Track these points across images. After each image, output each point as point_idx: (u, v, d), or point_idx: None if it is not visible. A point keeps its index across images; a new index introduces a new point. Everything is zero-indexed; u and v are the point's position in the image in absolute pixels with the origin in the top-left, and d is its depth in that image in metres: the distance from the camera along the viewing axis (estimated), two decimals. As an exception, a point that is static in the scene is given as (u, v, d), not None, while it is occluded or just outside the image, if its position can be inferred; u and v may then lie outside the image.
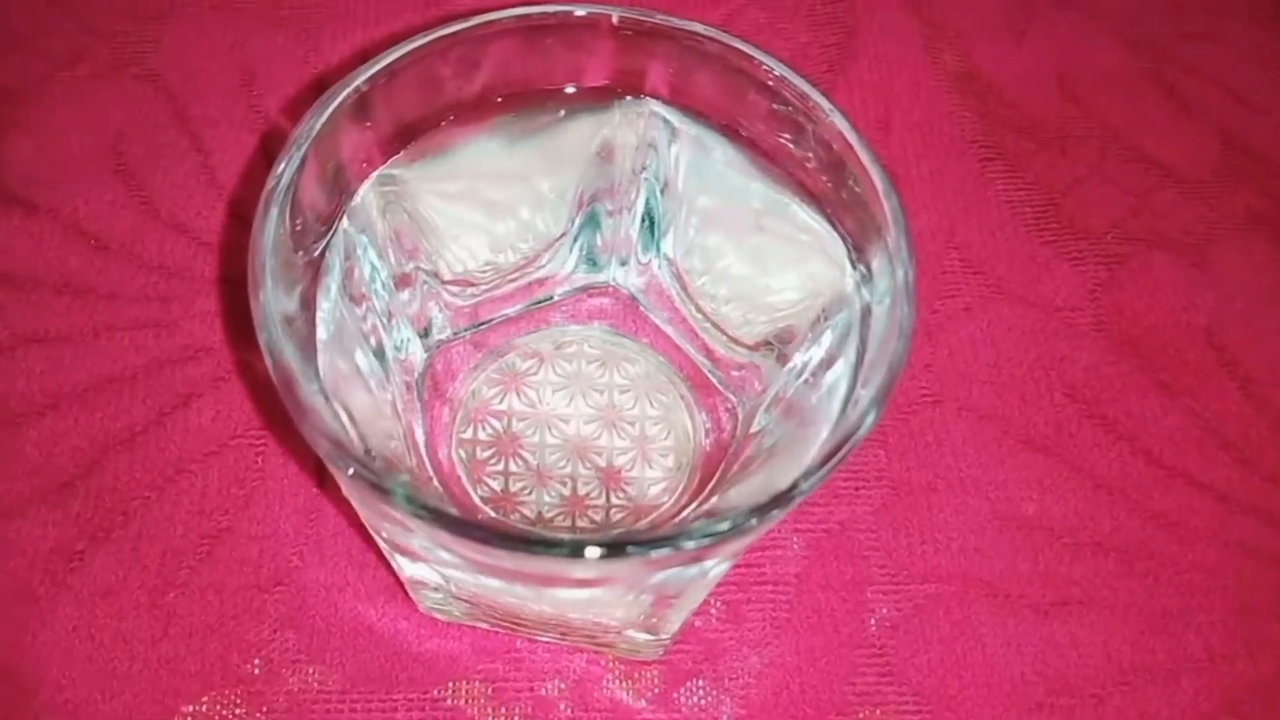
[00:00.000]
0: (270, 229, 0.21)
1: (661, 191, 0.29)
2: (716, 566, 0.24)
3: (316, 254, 0.24)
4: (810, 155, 0.25)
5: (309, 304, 0.23)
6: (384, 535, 0.24)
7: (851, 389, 0.23)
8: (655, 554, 0.19)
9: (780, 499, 0.20)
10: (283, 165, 0.22)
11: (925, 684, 0.31)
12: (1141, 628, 0.32)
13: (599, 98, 0.27)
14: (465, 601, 0.29)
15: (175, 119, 0.39)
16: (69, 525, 0.32)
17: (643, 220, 0.30)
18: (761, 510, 0.20)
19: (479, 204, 0.28)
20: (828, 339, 0.26)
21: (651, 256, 0.30)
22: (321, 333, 0.24)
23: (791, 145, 0.25)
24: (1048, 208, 0.39)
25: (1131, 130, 0.41)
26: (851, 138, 0.24)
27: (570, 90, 0.27)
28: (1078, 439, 0.35)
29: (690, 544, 0.19)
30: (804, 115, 0.24)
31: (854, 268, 0.25)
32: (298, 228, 0.23)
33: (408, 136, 0.25)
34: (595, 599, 0.26)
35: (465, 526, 0.19)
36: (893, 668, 0.31)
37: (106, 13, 0.41)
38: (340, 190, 0.25)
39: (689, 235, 0.30)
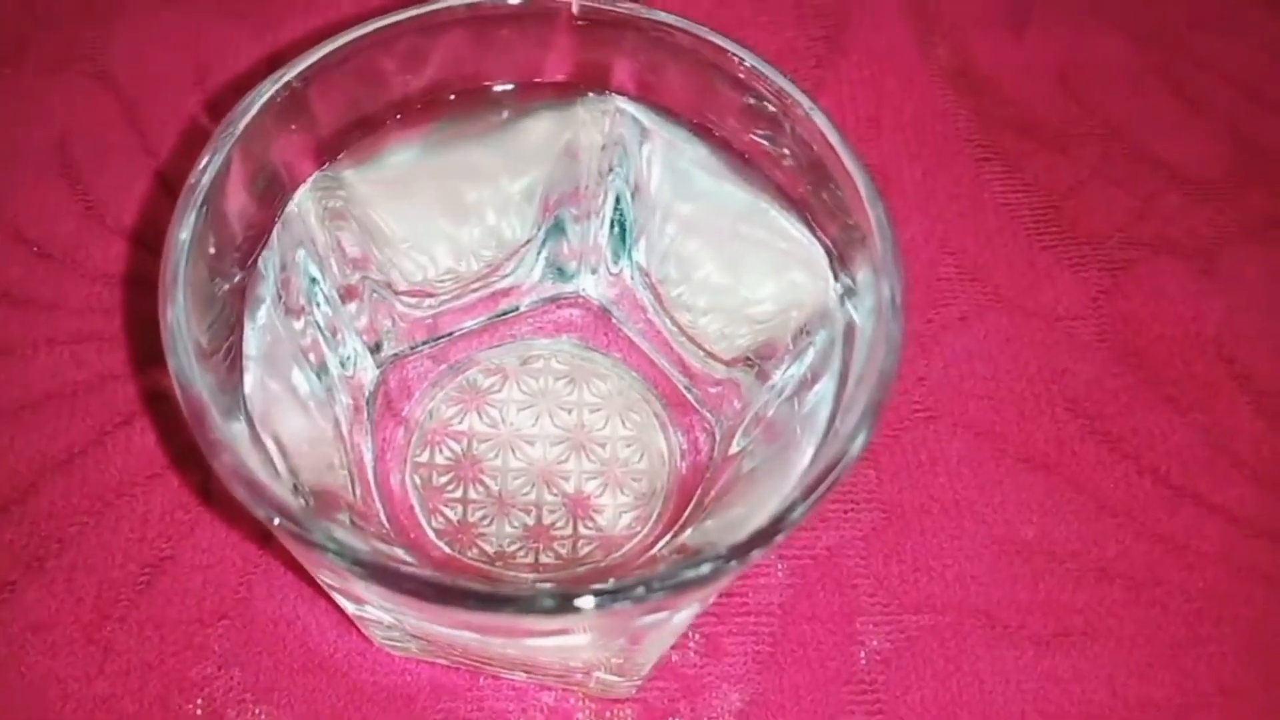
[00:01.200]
0: (185, 236, 0.19)
1: (632, 195, 0.27)
2: (690, 608, 0.22)
3: (246, 265, 0.22)
4: (788, 156, 0.23)
5: (234, 320, 0.21)
6: (323, 578, 0.22)
7: (836, 408, 0.21)
8: (619, 606, 0.17)
9: (761, 536, 0.18)
10: (203, 164, 0.20)
11: (918, 722, 0.29)
12: (1148, 660, 0.30)
13: (560, 94, 0.25)
14: (422, 639, 0.27)
15: (124, 117, 0.37)
16: (1, 553, 0.29)
17: (612, 226, 0.27)
18: (740, 550, 0.18)
19: (433, 209, 0.26)
20: (810, 355, 0.24)
21: (623, 265, 0.28)
22: (250, 348, 0.21)
23: (768, 145, 0.23)
24: (1048, 211, 0.37)
25: (1137, 129, 0.39)
26: (833, 137, 0.21)
27: (528, 86, 0.24)
28: (1080, 457, 0.33)
29: (659, 594, 0.17)
30: (781, 113, 0.22)
31: (836, 279, 0.23)
32: (223, 236, 0.20)
33: (348, 137, 0.23)
34: (560, 644, 0.24)
35: (405, 581, 0.17)
36: (883, 705, 0.29)
37: (54, 4, 0.39)
38: (273, 195, 0.22)
39: (663, 242, 0.27)
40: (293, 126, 0.22)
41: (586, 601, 0.17)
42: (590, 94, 0.25)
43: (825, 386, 0.22)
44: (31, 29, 0.38)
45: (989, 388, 0.34)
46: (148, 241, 0.34)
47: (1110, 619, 0.30)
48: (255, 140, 0.21)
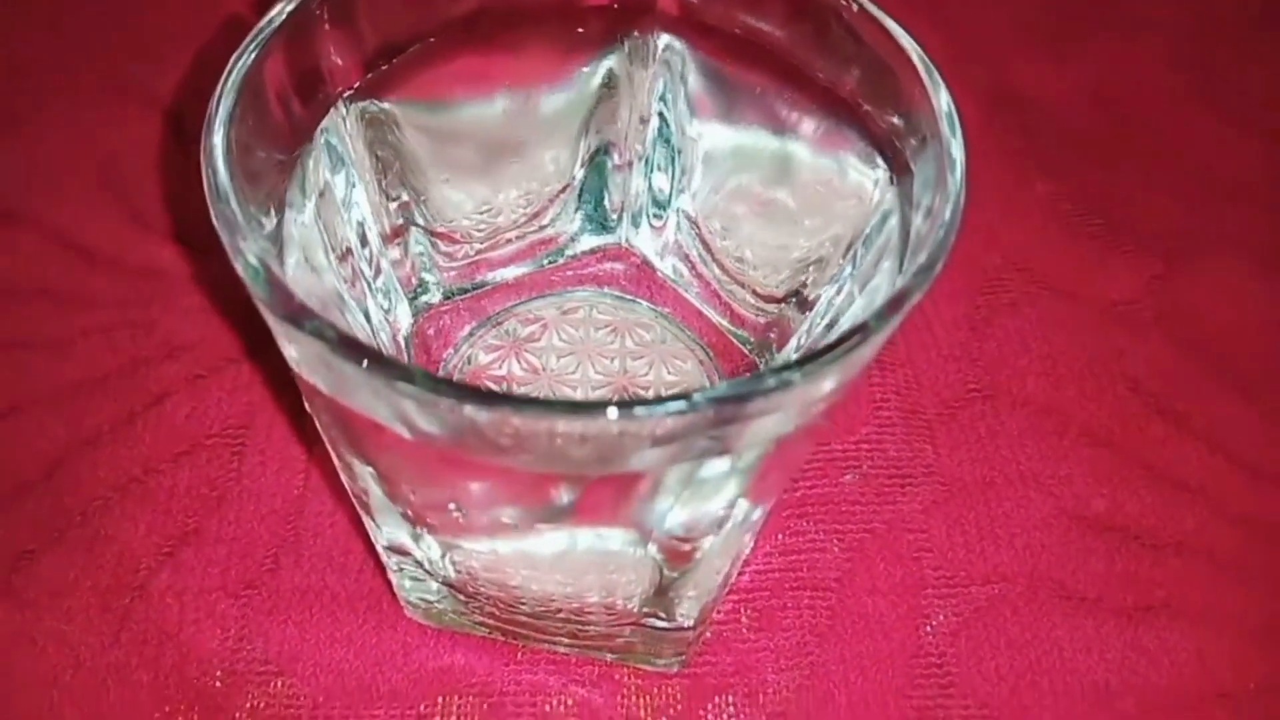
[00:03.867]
0: (228, 103, 0.19)
1: (677, 143, 0.27)
2: (744, 503, 0.21)
3: (289, 151, 0.21)
4: (837, 51, 0.22)
5: (278, 199, 0.21)
6: (356, 464, 0.21)
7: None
8: (673, 410, 0.16)
9: (843, 342, 0.17)
10: (247, 43, 0.20)
11: (994, 695, 0.26)
12: (1240, 639, 0.28)
13: (606, 27, 0.25)
14: (455, 592, 0.25)
15: (173, 137, 0.37)
16: (21, 525, 0.28)
17: (656, 173, 0.27)
18: (808, 362, 0.16)
19: (472, 142, 0.26)
20: (863, 262, 0.23)
21: (668, 216, 0.27)
22: (294, 234, 0.21)
23: (816, 45, 0.23)
24: (1094, 212, 0.36)
25: (1178, 141, 0.39)
26: (881, 18, 0.21)
27: (573, 11, 0.25)
28: (1147, 434, 0.31)
29: (716, 405, 0.16)
30: (827, 9, 0.22)
31: (891, 180, 0.22)
32: (264, 111, 0.20)
33: (390, 53, 0.23)
34: (602, 550, 0.22)
35: (466, 392, 0.16)
36: (954, 678, 0.27)
37: (108, 43, 0.40)
38: (316, 95, 0.22)
39: (710, 190, 0.27)
40: (338, 28, 0.22)
41: (645, 410, 0.16)
42: (635, 31, 0.25)
43: (882, 275, 0.21)
44: (84, 64, 0.39)
45: (1046, 366, 0.32)
46: (187, 240, 0.34)
47: (1195, 595, 0.28)
48: (302, 29, 0.21)
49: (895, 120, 0.22)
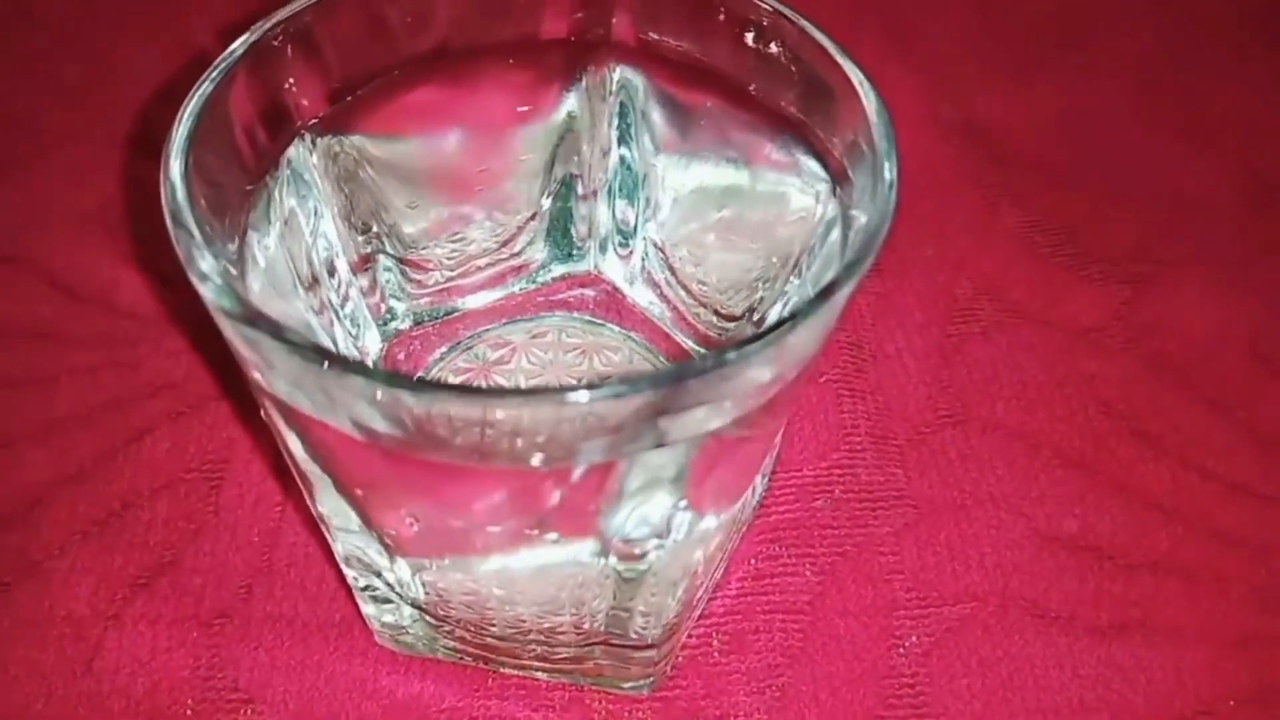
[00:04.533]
0: (187, 126, 0.20)
1: (639, 173, 0.28)
2: (687, 513, 0.21)
3: (253, 179, 0.22)
4: (784, 74, 0.23)
5: (240, 224, 0.21)
6: (313, 474, 0.21)
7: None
8: (610, 392, 0.16)
9: (775, 329, 0.17)
10: (211, 71, 0.21)
11: (966, 713, 0.26)
12: (1218, 652, 0.27)
13: (563, 58, 0.26)
14: (425, 615, 0.25)
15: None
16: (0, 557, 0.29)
17: (620, 203, 0.28)
18: (742, 346, 0.17)
19: (432, 173, 0.27)
20: (810, 274, 0.23)
21: (634, 244, 0.28)
22: (259, 260, 0.22)
23: (763, 71, 0.24)
24: (1062, 237, 0.37)
25: (1146, 166, 0.39)
26: (820, 38, 0.22)
27: (531, 46, 0.26)
28: (1119, 455, 0.31)
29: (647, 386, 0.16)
30: (772, 31, 0.23)
31: (833, 191, 0.23)
32: (227, 139, 0.21)
33: (354, 85, 0.24)
34: (565, 561, 0.22)
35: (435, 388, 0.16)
36: (927, 698, 0.26)
37: (100, 92, 0.41)
38: (280, 126, 0.23)
39: (673, 219, 0.28)
40: (300, 59, 0.23)
41: (584, 394, 0.16)
42: (591, 65, 0.26)
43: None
44: (80, 112, 0.41)
45: (1017, 391, 0.33)
46: (175, 282, 0.35)
47: (1170, 611, 0.28)
48: (264, 60, 0.22)
49: (834, 132, 0.22)
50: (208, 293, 0.17)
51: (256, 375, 0.19)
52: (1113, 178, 0.39)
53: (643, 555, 0.21)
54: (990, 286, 0.35)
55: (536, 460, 0.18)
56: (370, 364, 0.20)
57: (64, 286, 0.35)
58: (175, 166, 0.19)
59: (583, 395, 0.16)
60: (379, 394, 0.16)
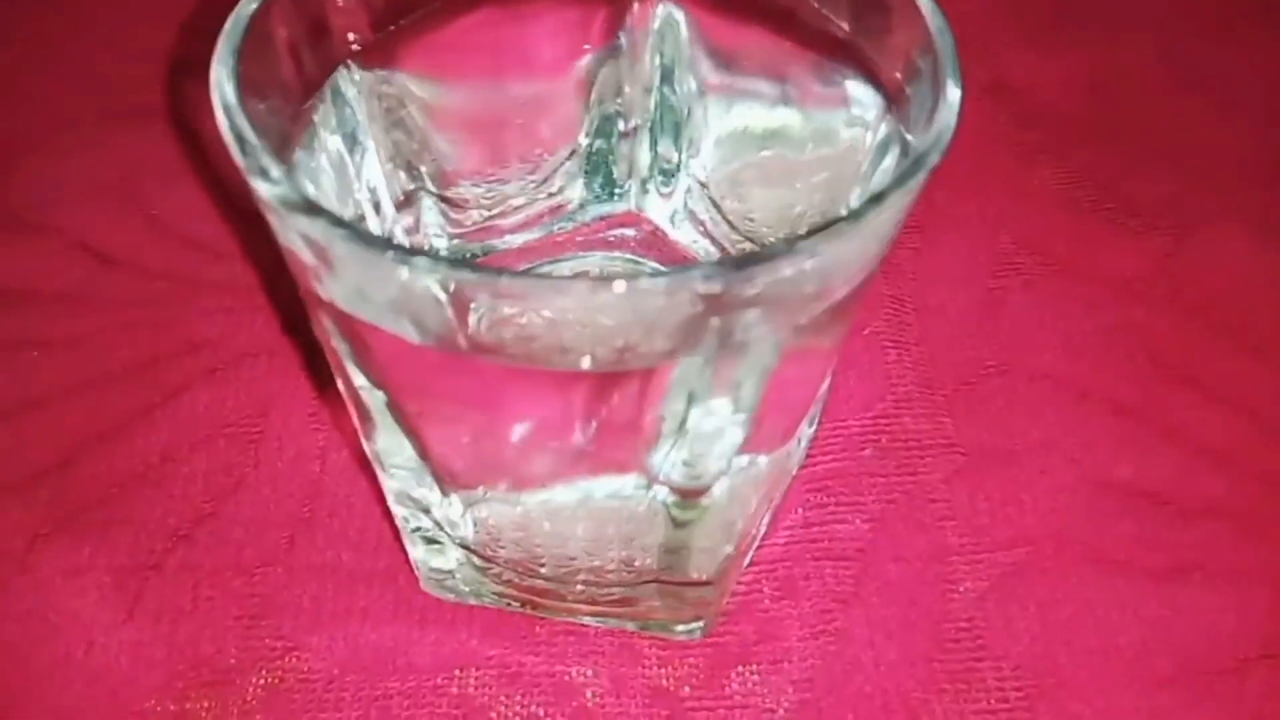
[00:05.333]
0: (234, 38, 0.19)
1: (681, 111, 0.27)
2: (744, 452, 0.21)
3: (298, 101, 0.22)
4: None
5: (286, 143, 0.21)
6: (371, 400, 0.21)
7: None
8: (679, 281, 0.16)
9: (846, 219, 0.17)
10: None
11: (1026, 655, 0.26)
12: (1278, 597, 0.27)
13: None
14: (473, 555, 0.25)
15: (190, 152, 0.38)
16: (35, 509, 0.28)
17: (663, 141, 0.28)
18: (807, 237, 0.16)
19: (472, 108, 0.26)
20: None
21: (676, 182, 0.28)
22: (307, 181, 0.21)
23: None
24: (1099, 191, 0.36)
25: (1177, 123, 0.39)
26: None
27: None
28: (1168, 402, 0.31)
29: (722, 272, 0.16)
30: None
31: (888, 109, 0.22)
32: (270, 58, 0.21)
33: (397, 14, 0.24)
34: (614, 495, 0.22)
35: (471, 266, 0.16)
36: (985, 640, 0.26)
37: (125, 68, 0.41)
38: (324, 52, 0.23)
39: (717, 156, 0.27)
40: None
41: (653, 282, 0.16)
42: (634, 2, 0.26)
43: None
44: (102, 87, 0.41)
45: (1062, 341, 0.32)
46: (204, 246, 0.35)
47: (1228, 556, 0.28)
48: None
49: (888, 51, 0.22)
50: (268, 188, 0.17)
51: (316, 285, 0.18)
52: (1145, 134, 0.38)
53: (700, 496, 0.21)
54: (1031, 240, 0.35)
55: (587, 362, 0.18)
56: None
57: (94, 251, 0.35)
58: (225, 71, 0.19)
59: (652, 281, 0.16)
60: (441, 279, 0.16)
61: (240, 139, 0.18)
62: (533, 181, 0.27)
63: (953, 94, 0.19)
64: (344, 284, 0.18)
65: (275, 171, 0.17)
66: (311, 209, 0.17)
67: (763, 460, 0.23)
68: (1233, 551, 0.28)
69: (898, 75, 0.22)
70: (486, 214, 0.27)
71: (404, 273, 0.16)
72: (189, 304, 0.33)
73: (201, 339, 0.32)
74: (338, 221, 0.16)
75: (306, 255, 0.18)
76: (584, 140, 0.27)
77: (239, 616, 0.26)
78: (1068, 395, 0.31)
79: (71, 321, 0.33)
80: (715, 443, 0.21)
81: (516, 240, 0.28)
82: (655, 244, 0.28)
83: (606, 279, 0.15)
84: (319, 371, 0.31)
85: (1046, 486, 0.29)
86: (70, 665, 0.25)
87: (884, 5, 0.22)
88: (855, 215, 0.17)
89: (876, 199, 0.17)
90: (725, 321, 0.17)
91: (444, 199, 0.27)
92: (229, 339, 0.32)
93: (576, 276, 0.15)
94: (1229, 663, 0.26)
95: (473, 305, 0.16)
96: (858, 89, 0.23)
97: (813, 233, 0.16)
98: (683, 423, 0.21)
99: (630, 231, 0.28)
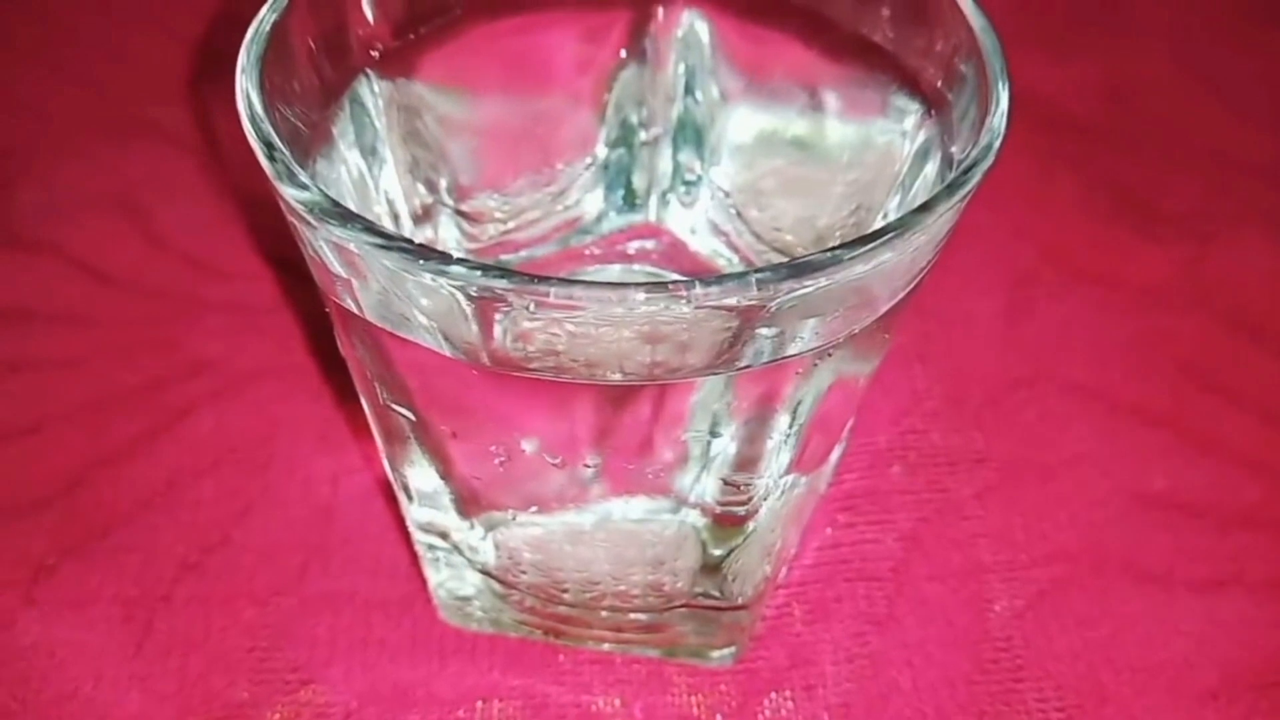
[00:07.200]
0: (258, 48, 0.19)
1: (704, 121, 0.27)
2: (792, 472, 0.20)
3: (317, 109, 0.21)
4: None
5: (306, 153, 0.20)
6: (399, 418, 0.20)
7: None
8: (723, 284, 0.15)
9: (894, 229, 0.16)
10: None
11: (1068, 674, 0.25)
12: (1324, 608, 0.26)
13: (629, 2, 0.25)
14: (494, 581, 0.24)
15: (189, 168, 0.37)
16: (40, 539, 0.27)
17: (684, 151, 0.27)
18: (857, 245, 0.15)
19: (491, 119, 0.26)
20: (905, 208, 0.22)
21: (698, 192, 0.27)
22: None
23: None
24: (1120, 199, 0.36)
25: (1193, 130, 0.39)
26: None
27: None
28: (1199, 411, 0.30)
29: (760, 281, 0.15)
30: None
31: (929, 113, 0.22)
32: (291, 67, 0.20)
33: (416, 24, 0.23)
34: (639, 519, 0.21)
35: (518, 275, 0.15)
36: (1024, 660, 0.25)
37: (122, 85, 0.40)
38: (344, 62, 0.22)
39: (740, 165, 0.27)
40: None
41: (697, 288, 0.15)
42: (659, 7, 0.25)
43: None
44: (99, 105, 0.40)
45: (1090, 350, 0.31)
46: (204, 264, 0.34)
47: (1269, 567, 0.27)
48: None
49: (929, 56, 0.21)
50: (298, 195, 0.16)
51: (344, 298, 0.17)
52: (1163, 142, 0.38)
53: (748, 518, 0.20)
54: (1053, 250, 0.34)
55: (617, 374, 0.17)
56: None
57: (92, 270, 0.34)
58: (251, 81, 0.18)
59: (693, 285, 0.15)
60: (473, 288, 0.15)
61: (269, 146, 0.17)
62: (550, 194, 0.27)
63: (1003, 94, 0.19)
64: (373, 294, 0.17)
65: (304, 178, 0.16)
66: (344, 215, 0.16)
67: (804, 480, 0.22)
68: (1273, 561, 0.27)
69: (938, 81, 0.21)
70: (503, 227, 0.26)
71: (440, 280, 0.15)
72: (191, 324, 0.32)
73: (205, 360, 0.31)
74: (370, 227, 0.16)
75: (336, 265, 0.17)
76: (602, 151, 0.27)
77: (252, 648, 0.25)
78: (1098, 406, 0.30)
79: (71, 342, 0.32)
80: (767, 464, 0.21)
81: (534, 254, 0.27)
82: (676, 256, 0.27)
83: (632, 285, 0.15)
84: (329, 392, 0.30)
85: (1081, 500, 0.28)
86: (78, 700, 0.24)
87: (923, 8, 0.21)
88: (904, 223, 0.16)
89: (926, 207, 0.16)
90: (767, 333, 0.16)
91: (460, 213, 0.26)
92: (233, 359, 0.31)
93: (603, 283, 0.15)
94: (1274, 675, 0.25)
95: (508, 312, 0.15)
96: (894, 95, 0.23)
97: (864, 239, 0.16)
98: (709, 446, 0.20)
99: (650, 244, 0.28)
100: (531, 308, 0.15)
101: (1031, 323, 0.32)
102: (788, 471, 0.20)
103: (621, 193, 0.27)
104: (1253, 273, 0.33)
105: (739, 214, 0.27)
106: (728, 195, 0.27)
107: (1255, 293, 0.33)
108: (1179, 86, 0.40)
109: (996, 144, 0.17)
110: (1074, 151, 0.38)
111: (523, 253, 0.27)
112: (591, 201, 0.27)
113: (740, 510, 0.21)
